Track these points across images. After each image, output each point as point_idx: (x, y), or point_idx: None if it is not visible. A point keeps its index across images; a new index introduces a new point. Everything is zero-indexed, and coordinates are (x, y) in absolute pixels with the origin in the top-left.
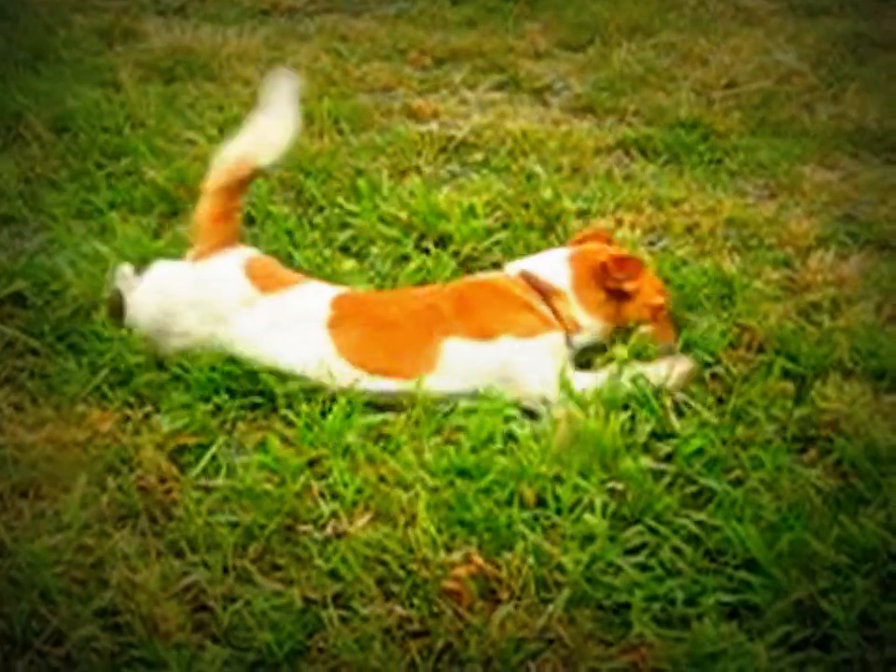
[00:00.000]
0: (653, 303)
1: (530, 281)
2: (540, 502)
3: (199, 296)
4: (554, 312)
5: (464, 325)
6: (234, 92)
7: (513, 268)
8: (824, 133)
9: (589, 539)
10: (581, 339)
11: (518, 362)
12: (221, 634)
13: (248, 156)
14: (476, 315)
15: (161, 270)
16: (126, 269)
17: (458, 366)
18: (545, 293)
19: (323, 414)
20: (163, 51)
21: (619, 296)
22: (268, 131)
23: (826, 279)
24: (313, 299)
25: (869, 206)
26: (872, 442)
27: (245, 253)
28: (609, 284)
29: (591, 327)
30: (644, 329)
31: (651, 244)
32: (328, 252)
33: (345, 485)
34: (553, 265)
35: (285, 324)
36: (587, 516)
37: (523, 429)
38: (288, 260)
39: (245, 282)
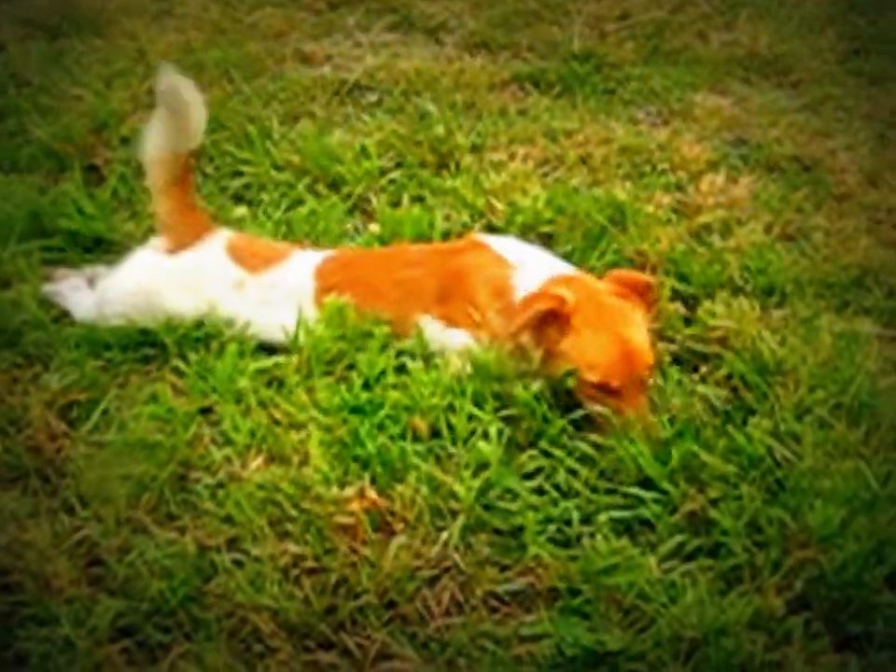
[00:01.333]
0: (581, 377)
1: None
2: (435, 434)
3: (189, 284)
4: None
5: (438, 307)
6: (121, 47)
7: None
8: (716, 60)
9: (483, 466)
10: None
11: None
12: (116, 586)
13: (177, 145)
14: (448, 301)
15: (141, 262)
16: (60, 271)
17: (430, 341)
18: (505, 291)
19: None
20: (47, 7)
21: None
22: (181, 117)
23: (717, 201)
24: (297, 271)
25: (759, 130)
26: (760, 356)
27: (225, 235)
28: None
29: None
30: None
31: (545, 175)
32: (221, 201)
33: (237, 430)
34: (532, 279)
35: (274, 302)
36: (481, 444)
37: (414, 363)
38: None
39: (233, 265)
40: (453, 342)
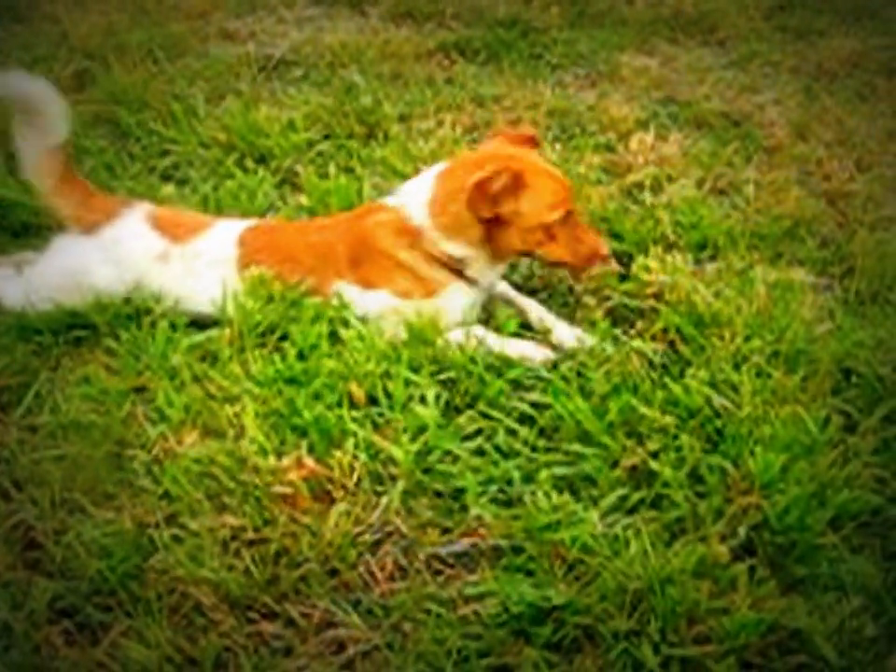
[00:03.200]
0: (543, 221)
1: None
2: (373, 401)
3: (112, 258)
4: (428, 255)
5: (351, 271)
6: (43, 31)
7: (399, 196)
8: (642, 21)
9: (422, 430)
10: (477, 272)
11: (389, 316)
12: (54, 568)
13: (47, 143)
14: (359, 264)
15: (63, 245)
16: None
17: (352, 306)
18: (410, 232)
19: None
20: None
21: (494, 223)
22: (40, 116)
23: (647, 159)
24: (221, 240)
25: (687, 87)
26: (695, 309)
27: (144, 208)
28: (479, 213)
29: (471, 257)
30: (544, 253)
31: (474, 141)
32: (149, 181)
33: (171, 406)
34: (418, 193)
35: (198, 270)
36: (419, 408)
37: (348, 331)
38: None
39: (156, 235)
40: (372, 304)
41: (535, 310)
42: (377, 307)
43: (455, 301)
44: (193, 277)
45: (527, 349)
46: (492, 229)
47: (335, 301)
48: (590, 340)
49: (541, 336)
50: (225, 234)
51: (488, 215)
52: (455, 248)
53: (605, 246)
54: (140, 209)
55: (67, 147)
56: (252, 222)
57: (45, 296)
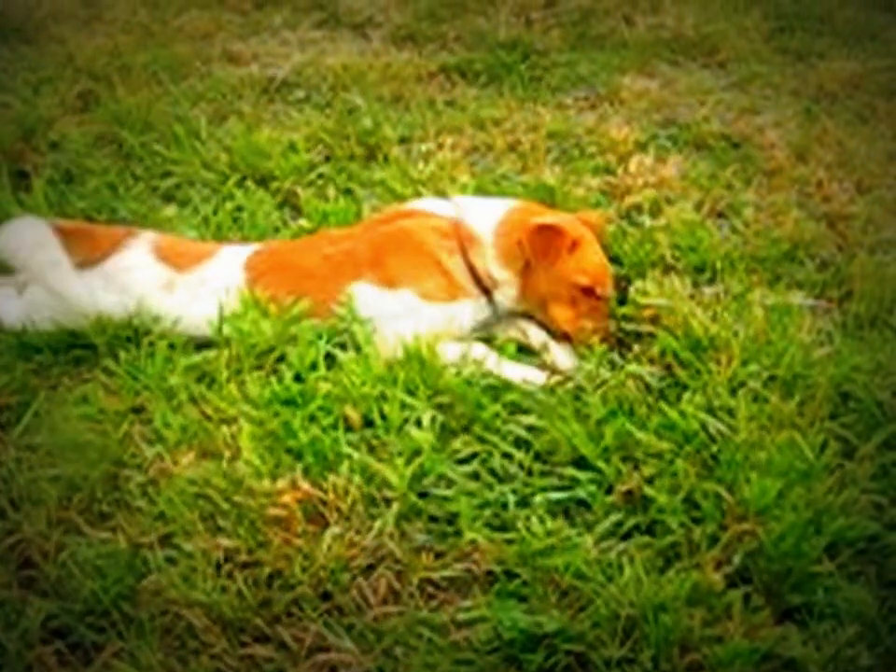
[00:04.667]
0: (573, 280)
1: (456, 226)
2: (368, 423)
3: (116, 287)
4: (470, 266)
5: (373, 271)
6: (49, 52)
7: (451, 206)
8: (643, 43)
9: (417, 453)
10: (502, 297)
11: (403, 320)
12: (48, 587)
13: None
14: (386, 263)
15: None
16: None
17: (364, 309)
18: (464, 240)
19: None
20: None
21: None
22: None
23: (646, 181)
24: (227, 266)
25: (687, 109)
26: (692, 332)
27: (148, 238)
28: (528, 251)
29: (506, 283)
30: (555, 310)
31: (474, 163)
32: (151, 202)
33: (168, 427)
34: (488, 212)
35: (205, 298)
36: (414, 431)
37: (345, 354)
38: (112, 214)
39: (160, 266)
40: (391, 305)
41: (533, 331)
42: (395, 308)
43: (471, 314)
44: (199, 304)
45: (528, 373)
46: (530, 266)
47: (343, 306)
48: (585, 364)
49: (539, 359)
50: (230, 260)
51: (534, 259)
52: (498, 270)
53: (607, 331)
54: (144, 240)
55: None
56: (258, 246)
57: (46, 317)
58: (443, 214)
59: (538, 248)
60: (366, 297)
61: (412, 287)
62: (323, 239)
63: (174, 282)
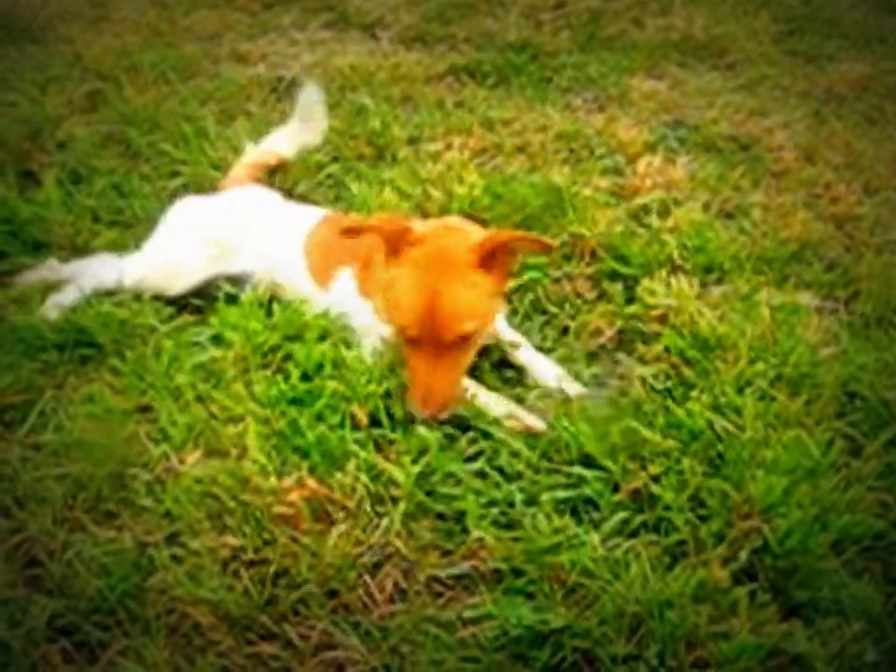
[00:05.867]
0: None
1: None
2: (375, 422)
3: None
4: None
5: (357, 258)
6: (57, 52)
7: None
8: (652, 45)
9: (424, 451)
10: None
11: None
12: (54, 586)
13: (277, 149)
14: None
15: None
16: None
17: (339, 293)
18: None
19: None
20: None
21: None
22: (298, 133)
23: (655, 182)
24: (307, 217)
25: (696, 111)
26: (699, 332)
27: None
28: None
29: None
30: None
31: (482, 164)
32: (157, 203)
33: (174, 426)
34: None
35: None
36: (421, 429)
37: (350, 352)
38: (119, 214)
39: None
40: (358, 317)
41: (522, 348)
42: (359, 322)
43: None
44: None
45: (517, 412)
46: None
47: (335, 284)
48: (575, 385)
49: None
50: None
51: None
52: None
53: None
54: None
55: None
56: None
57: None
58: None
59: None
60: (345, 287)
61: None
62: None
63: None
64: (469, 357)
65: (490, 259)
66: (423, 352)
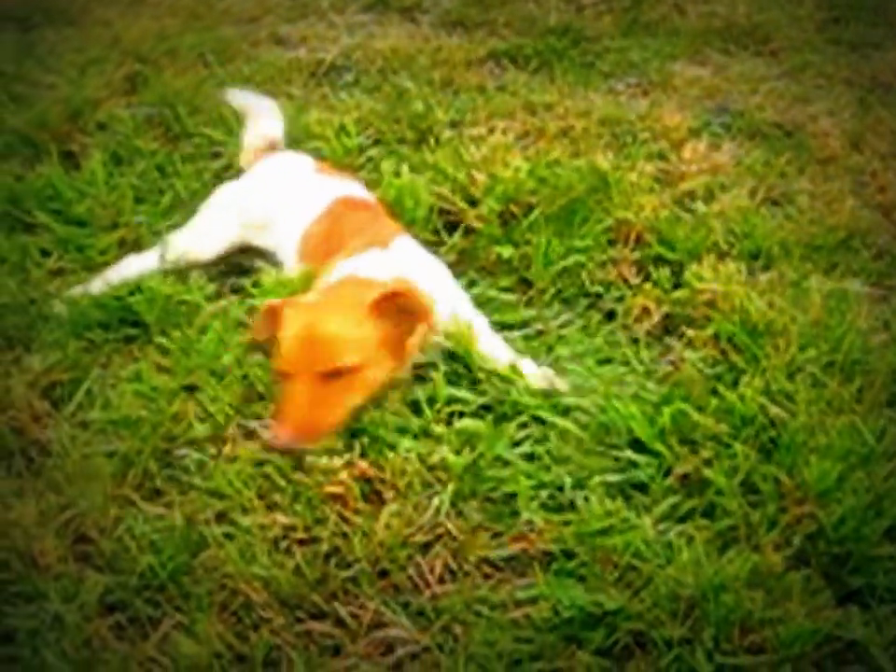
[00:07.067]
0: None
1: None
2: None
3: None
4: None
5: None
6: (95, 35)
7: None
8: (694, 31)
9: (473, 437)
10: None
11: None
12: (104, 562)
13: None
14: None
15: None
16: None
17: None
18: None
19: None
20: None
21: None
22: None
23: (700, 168)
24: (324, 193)
25: (740, 97)
26: (748, 317)
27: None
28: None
29: None
30: None
31: (526, 147)
32: (198, 184)
33: (222, 404)
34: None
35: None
36: (468, 421)
37: None
38: (159, 195)
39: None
40: None
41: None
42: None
43: None
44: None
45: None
46: None
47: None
48: (561, 382)
49: None
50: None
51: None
52: None
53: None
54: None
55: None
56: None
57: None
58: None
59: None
60: (331, 269)
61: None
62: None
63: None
64: (353, 398)
65: (384, 305)
66: (297, 382)
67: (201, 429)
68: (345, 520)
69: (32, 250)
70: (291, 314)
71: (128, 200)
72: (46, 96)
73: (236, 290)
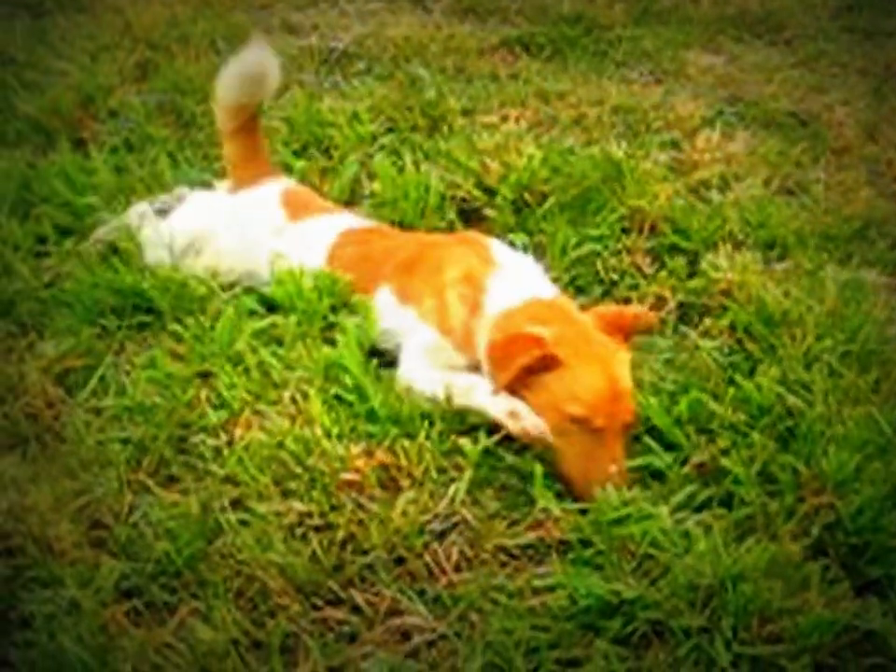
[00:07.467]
0: (559, 408)
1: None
2: None
3: (235, 221)
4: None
5: (399, 279)
6: (107, 22)
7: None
8: (708, 19)
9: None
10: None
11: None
12: (119, 548)
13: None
14: (414, 273)
15: (200, 198)
16: (142, 206)
17: (384, 314)
18: (474, 305)
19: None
20: None
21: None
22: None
23: (714, 157)
24: (328, 227)
25: (754, 86)
26: (764, 307)
27: (284, 183)
28: (499, 373)
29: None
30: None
31: (539, 136)
32: (213, 169)
33: (236, 391)
34: (508, 293)
35: (298, 250)
36: None
37: None
38: (172, 182)
39: (279, 210)
40: (402, 322)
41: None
42: (403, 327)
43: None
44: (294, 254)
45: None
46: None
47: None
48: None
49: None
50: (336, 222)
51: (505, 380)
52: (484, 361)
53: (623, 476)
54: (279, 184)
55: (259, 107)
56: (364, 221)
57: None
58: (489, 251)
59: (496, 364)
60: (385, 304)
61: (414, 305)
62: (397, 235)
63: (284, 229)
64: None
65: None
66: (609, 433)
67: (215, 416)
68: (361, 507)
69: (45, 236)
70: (571, 354)
71: (140, 186)
72: (57, 83)
73: None
